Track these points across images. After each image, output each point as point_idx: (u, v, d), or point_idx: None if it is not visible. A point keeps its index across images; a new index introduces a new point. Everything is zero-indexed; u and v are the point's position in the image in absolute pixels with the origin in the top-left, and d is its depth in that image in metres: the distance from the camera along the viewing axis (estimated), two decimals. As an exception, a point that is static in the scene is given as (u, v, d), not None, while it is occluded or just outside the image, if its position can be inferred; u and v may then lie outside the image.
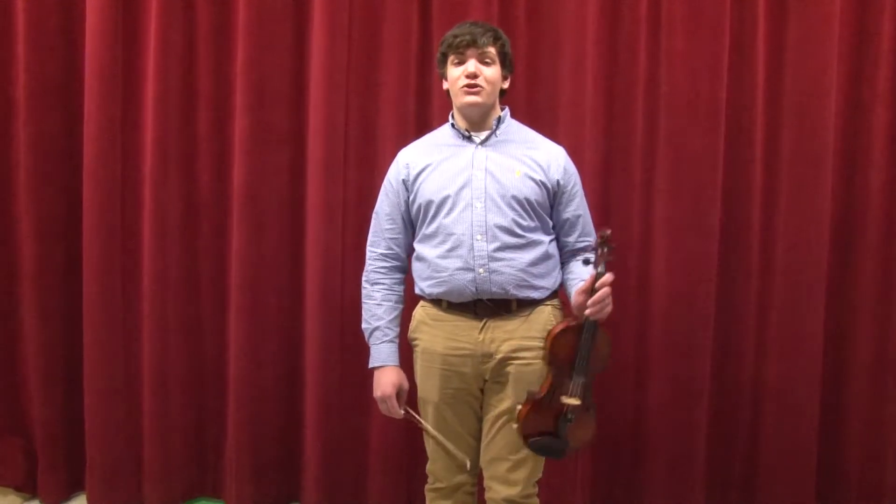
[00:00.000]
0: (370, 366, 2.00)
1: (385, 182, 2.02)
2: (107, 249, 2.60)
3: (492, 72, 1.89)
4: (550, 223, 1.95)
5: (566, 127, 2.49)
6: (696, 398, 2.57)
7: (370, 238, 2.04)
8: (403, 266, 2.03)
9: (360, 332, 2.61)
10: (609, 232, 1.74)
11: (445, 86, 1.96)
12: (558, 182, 1.92)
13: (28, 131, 2.61)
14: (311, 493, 2.66)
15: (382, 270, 2.01)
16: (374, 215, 2.04)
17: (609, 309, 1.76)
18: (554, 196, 1.94)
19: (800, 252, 2.53)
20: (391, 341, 1.99)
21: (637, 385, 2.62)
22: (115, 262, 2.62)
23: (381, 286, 2.00)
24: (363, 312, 2.03)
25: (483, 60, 1.87)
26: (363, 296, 2.04)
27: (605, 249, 1.74)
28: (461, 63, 1.87)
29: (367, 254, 2.04)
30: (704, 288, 2.53)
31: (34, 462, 2.76)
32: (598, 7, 2.47)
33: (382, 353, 1.98)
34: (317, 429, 2.63)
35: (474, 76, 1.86)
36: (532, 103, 2.52)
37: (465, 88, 1.86)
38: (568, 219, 1.96)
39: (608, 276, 1.72)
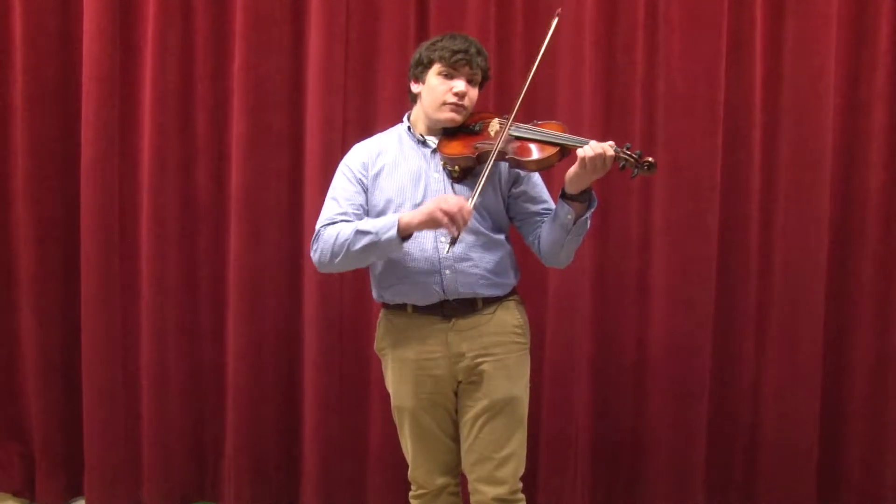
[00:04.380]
0: (392, 228, 1.73)
1: (342, 168, 1.94)
2: (105, 253, 2.59)
3: (475, 93, 1.90)
4: (506, 219, 1.95)
5: (564, 128, 2.49)
6: (695, 399, 2.57)
7: (321, 219, 1.88)
8: None
9: (359, 334, 2.64)
10: (628, 145, 1.75)
11: (417, 88, 1.91)
12: (508, 174, 1.92)
13: (26, 135, 2.61)
14: (310, 496, 2.65)
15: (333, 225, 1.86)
16: (331, 200, 1.90)
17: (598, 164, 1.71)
18: (509, 194, 1.93)
19: (799, 253, 2.53)
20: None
21: (637, 386, 2.62)
22: (114, 265, 2.62)
23: (333, 225, 1.84)
24: (336, 239, 1.80)
25: (470, 80, 1.88)
26: (321, 248, 1.84)
27: (633, 156, 1.72)
28: (450, 77, 1.85)
29: (317, 229, 1.88)
30: (703, 289, 2.53)
31: (32, 467, 2.75)
32: (595, 9, 2.48)
33: (389, 215, 1.80)
34: (315, 431, 2.63)
35: (463, 96, 1.86)
36: (530, 105, 2.52)
37: (451, 105, 1.85)
38: (537, 211, 1.94)
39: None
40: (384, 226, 1.76)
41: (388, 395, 2.56)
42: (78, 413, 2.68)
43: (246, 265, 2.60)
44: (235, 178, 2.59)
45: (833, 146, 2.51)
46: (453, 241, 1.74)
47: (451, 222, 1.69)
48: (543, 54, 1.83)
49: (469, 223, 1.78)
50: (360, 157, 1.95)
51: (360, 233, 1.78)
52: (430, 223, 1.73)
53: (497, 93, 2.48)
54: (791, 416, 2.58)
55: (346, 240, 1.79)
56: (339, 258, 1.82)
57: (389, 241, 1.75)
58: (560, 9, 1.88)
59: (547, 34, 1.83)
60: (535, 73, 1.83)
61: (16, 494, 2.76)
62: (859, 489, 2.63)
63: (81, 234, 2.60)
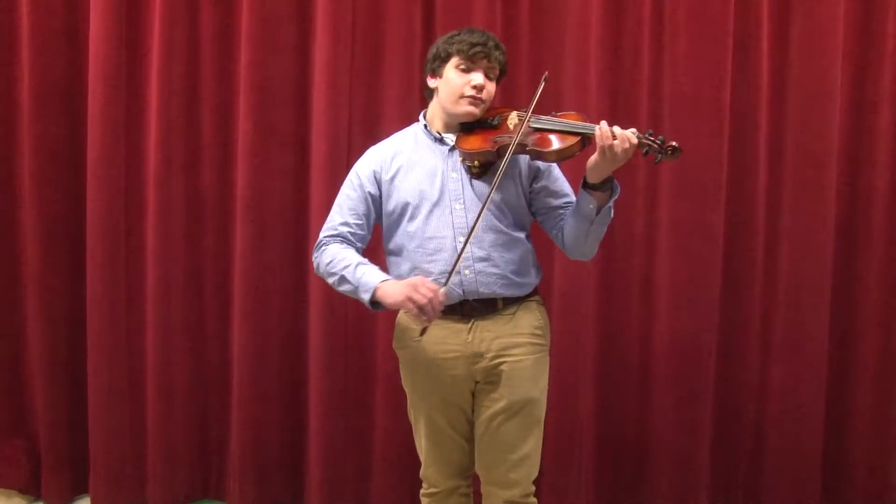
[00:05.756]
0: (367, 293, 1.76)
1: (350, 174, 1.95)
2: (110, 251, 2.60)
3: (493, 87, 1.88)
4: (528, 216, 1.94)
5: (569, 128, 2.49)
6: (700, 399, 2.57)
7: (325, 227, 1.92)
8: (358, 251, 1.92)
9: (364, 333, 2.65)
10: (650, 131, 1.72)
11: (434, 83, 1.90)
12: (528, 169, 1.91)
13: (32, 134, 2.61)
14: (314, 495, 2.65)
15: (336, 240, 1.90)
16: (336, 207, 1.93)
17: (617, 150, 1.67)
18: (531, 189, 1.91)
19: (804, 253, 2.53)
20: (378, 269, 1.80)
21: (641, 386, 2.62)
22: (119, 264, 2.62)
23: (336, 244, 1.87)
24: (328, 268, 1.84)
25: (488, 74, 1.86)
26: (318, 263, 1.88)
27: (657, 141, 1.69)
28: (468, 71, 1.84)
29: (320, 237, 1.92)
30: (708, 289, 2.53)
31: (38, 464, 2.76)
32: (601, 8, 2.47)
33: (376, 273, 1.78)
34: (320, 430, 2.63)
35: (481, 89, 1.84)
36: (535, 104, 2.52)
37: (470, 99, 1.84)
38: (559, 205, 1.92)
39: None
40: (364, 284, 1.78)
41: (393, 394, 2.58)
42: (83, 411, 2.69)
43: (251, 264, 2.60)
44: (241, 178, 2.59)
45: (839, 146, 2.51)
46: (423, 332, 1.76)
47: (421, 312, 1.69)
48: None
49: (488, 222, 1.78)
50: (370, 164, 1.93)
51: (345, 279, 1.82)
52: (401, 307, 1.75)
53: (504, 92, 2.48)
54: (796, 416, 2.58)
55: (334, 274, 1.84)
56: (328, 283, 1.88)
57: (364, 300, 1.79)
58: (547, 73, 1.86)
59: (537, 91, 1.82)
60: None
61: (21, 491, 2.77)
62: (864, 489, 2.63)
63: (87, 233, 2.60)
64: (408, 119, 2.05)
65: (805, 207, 2.52)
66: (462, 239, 1.81)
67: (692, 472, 2.59)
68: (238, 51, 2.58)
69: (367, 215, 1.91)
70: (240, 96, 2.57)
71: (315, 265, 1.91)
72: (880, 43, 2.50)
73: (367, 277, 1.78)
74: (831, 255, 2.53)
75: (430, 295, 1.68)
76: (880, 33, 2.50)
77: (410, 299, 1.69)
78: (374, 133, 2.55)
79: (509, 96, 2.45)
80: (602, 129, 1.67)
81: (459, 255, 1.76)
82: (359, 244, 1.91)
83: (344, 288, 1.83)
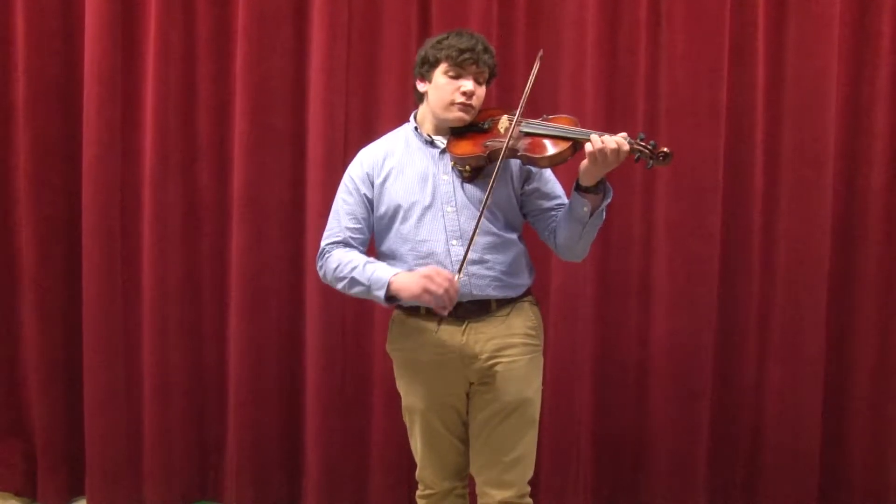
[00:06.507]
0: (381, 290, 1.75)
1: (345, 179, 1.94)
2: (107, 252, 2.60)
3: (482, 92, 1.88)
4: (520, 217, 1.94)
5: (566, 128, 2.49)
6: (697, 399, 2.57)
7: (326, 235, 1.92)
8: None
9: (361, 334, 2.64)
10: (641, 135, 1.71)
11: (423, 87, 1.89)
12: (520, 171, 1.90)
13: (28, 134, 2.61)
14: (312, 496, 2.65)
15: (338, 245, 1.90)
16: (333, 214, 1.93)
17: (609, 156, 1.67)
18: (522, 191, 1.91)
19: (801, 253, 2.53)
20: (386, 265, 1.81)
21: (639, 386, 2.62)
22: (115, 264, 2.62)
23: (339, 249, 1.88)
24: (336, 274, 1.84)
25: (477, 79, 1.86)
26: (325, 271, 1.88)
27: (648, 147, 1.69)
28: (457, 77, 1.83)
29: (322, 245, 1.92)
30: (706, 289, 2.54)
31: (34, 465, 2.75)
32: (597, 9, 2.48)
33: (385, 268, 1.78)
34: (317, 431, 2.63)
35: (471, 95, 1.84)
36: (531, 105, 2.51)
37: (460, 105, 1.83)
38: (550, 206, 1.92)
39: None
40: (376, 281, 1.77)
41: (391, 394, 2.56)
42: (80, 412, 2.68)
43: (248, 264, 2.60)
44: (237, 178, 2.59)
45: (835, 146, 2.51)
46: (440, 320, 1.78)
47: (438, 303, 1.70)
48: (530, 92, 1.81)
49: (480, 225, 1.77)
50: (363, 167, 1.93)
51: (355, 281, 1.81)
52: (417, 300, 1.73)
53: (500, 92, 2.48)
54: (793, 417, 2.58)
55: (343, 279, 1.83)
56: (338, 289, 1.87)
57: (378, 298, 1.78)
58: (542, 51, 1.86)
59: (532, 74, 1.81)
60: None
61: (17, 493, 2.76)
62: (862, 489, 2.63)
63: (83, 234, 2.60)
64: (404, 119, 2.04)
65: (802, 207, 2.52)
66: (455, 242, 1.82)
67: (690, 472, 2.59)
68: (234, 50, 2.58)
69: (365, 218, 1.91)
70: (236, 96, 2.57)
71: (321, 274, 1.91)
72: (876, 42, 2.51)
73: (378, 273, 1.78)
74: (828, 255, 2.54)
75: (446, 285, 1.69)
76: (876, 33, 2.50)
77: (427, 290, 1.69)
78: (370, 132, 2.54)
79: (506, 97, 2.45)
80: (593, 140, 1.68)
81: (467, 249, 1.75)
82: (360, 248, 1.90)
83: (356, 290, 1.82)
